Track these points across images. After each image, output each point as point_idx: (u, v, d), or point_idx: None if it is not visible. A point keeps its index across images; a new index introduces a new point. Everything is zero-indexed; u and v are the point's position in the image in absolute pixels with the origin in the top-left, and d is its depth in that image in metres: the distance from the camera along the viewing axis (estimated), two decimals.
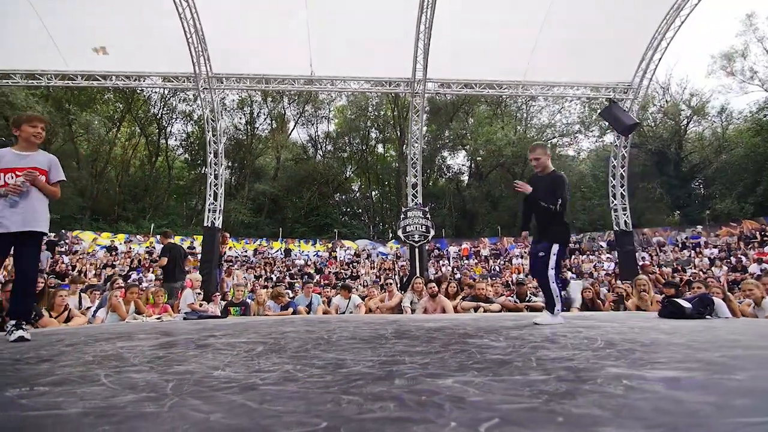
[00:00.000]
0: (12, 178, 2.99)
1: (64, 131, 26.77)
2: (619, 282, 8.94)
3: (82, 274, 13.87)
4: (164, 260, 7.22)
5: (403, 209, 10.95)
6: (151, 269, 7.44)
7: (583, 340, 2.47)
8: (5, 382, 1.43)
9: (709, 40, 35.16)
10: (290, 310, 6.68)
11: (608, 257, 17.65)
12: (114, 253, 18.93)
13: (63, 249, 17.94)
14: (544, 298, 3.79)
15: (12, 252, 3.11)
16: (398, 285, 11.09)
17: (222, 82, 11.05)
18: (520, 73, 11.37)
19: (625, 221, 11.76)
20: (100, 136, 29.19)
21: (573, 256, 18.98)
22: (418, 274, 9.22)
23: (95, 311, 6.21)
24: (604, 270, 15.27)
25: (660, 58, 10.31)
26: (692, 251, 16.91)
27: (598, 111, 13.33)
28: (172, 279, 7.15)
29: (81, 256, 17.19)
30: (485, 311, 6.08)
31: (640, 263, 12.54)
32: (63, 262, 15.64)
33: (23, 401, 1.16)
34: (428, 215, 10.61)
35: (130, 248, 20.18)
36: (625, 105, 11.09)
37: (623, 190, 11.95)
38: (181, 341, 2.71)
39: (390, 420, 0.97)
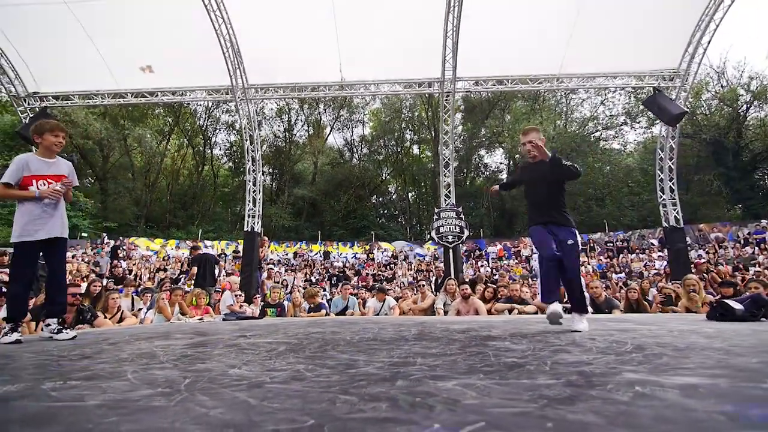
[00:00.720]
0: (44, 185, 3.15)
1: (120, 145, 28.90)
2: (669, 282, 8.37)
3: (138, 278, 14.90)
4: (194, 269, 8.23)
5: (436, 210, 10.86)
6: (183, 277, 8.65)
7: (612, 343, 2.36)
8: (45, 376, 1.59)
9: None
10: (323, 311, 6.80)
11: (660, 255, 16.57)
12: (166, 257, 20.16)
13: (121, 255, 19.33)
14: (574, 299, 3.32)
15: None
16: (433, 287, 11.01)
17: (257, 92, 11.51)
18: (555, 65, 10.96)
19: (676, 217, 10.99)
20: (152, 149, 31.24)
21: (621, 255, 18.01)
22: (450, 276, 9.11)
23: (146, 312, 6.68)
24: (655, 269, 14.36)
25: (709, 41, 9.54)
26: (756, 248, 15.52)
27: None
28: (203, 285, 7.83)
29: (137, 261, 18.46)
30: (519, 313, 5.92)
31: (695, 262, 11.70)
32: (120, 267, 16.89)
33: (54, 393, 1.29)
34: (462, 215, 10.46)
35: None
36: (672, 93, 10.38)
37: (672, 183, 11.17)
38: (212, 341, 2.86)
39: (375, 420, 0.99)
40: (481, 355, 2.01)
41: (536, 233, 3.40)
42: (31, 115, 11.21)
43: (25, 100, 11.33)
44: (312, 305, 6.94)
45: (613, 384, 1.35)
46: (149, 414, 1.06)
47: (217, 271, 9.36)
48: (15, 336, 2.96)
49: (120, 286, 10.10)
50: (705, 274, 9.90)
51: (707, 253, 16.26)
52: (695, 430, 0.92)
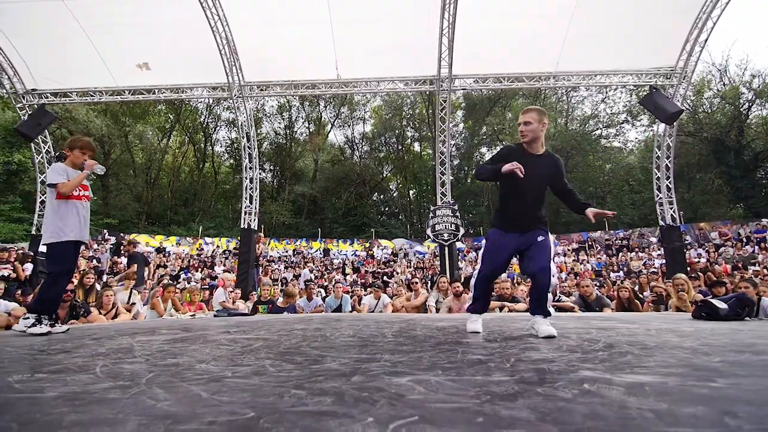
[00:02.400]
0: (78, 192, 3.63)
1: (121, 142, 28.98)
2: (661, 281, 8.37)
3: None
4: (134, 267, 7.92)
5: (432, 208, 10.88)
6: (116, 274, 8.54)
7: (584, 342, 2.38)
8: (16, 369, 1.63)
9: None
10: (319, 307, 6.84)
11: (659, 254, 16.54)
12: (165, 254, 20.27)
13: (122, 252, 19.44)
14: (534, 298, 2.87)
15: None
16: (429, 284, 11.04)
17: (254, 90, 11.53)
18: (553, 63, 10.93)
19: (672, 215, 10.97)
20: (153, 146, 31.33)
21: (620, 253, 17.98)
22: (443, 273, 9.14)
23: (140, 308, 6.74)
24: (654, 268, 14.34)
25: (706, 39, 9.50)
26: (756, 246, 15.47)
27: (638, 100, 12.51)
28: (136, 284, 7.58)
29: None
30: (510, 311, 5.95)
31: (691, 261, 11.68)
32: (121, 264, 17.00)
33: (17, 385, 1.33)
34: (458, 213, 10.47)
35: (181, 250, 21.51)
36: (670, 91, 10.33)
37: (669, 182, 11.14)
38: (193, 337, 2.90)
39: (313, 413, 1.02)
40: (450, 352, 2.04)
41: (495, 240, 2.98)
42: (29, 112, 11.28)
43: (23, 97, 11.39)
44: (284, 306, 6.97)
45: (564, 381, 1.38)
46: (99, 406, 1.09)
47: (147, 272, 8.95)
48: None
49: (121, 282, 10.21)
50: (701, 273, 9.90)
51: (707, 252, 16.21)
52: (621, 426, 0.94)
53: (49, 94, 11.61)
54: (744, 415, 0.99)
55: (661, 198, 11.17)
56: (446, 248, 10.33)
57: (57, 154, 11.93)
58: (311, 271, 17.72)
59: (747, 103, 25.15)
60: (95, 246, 17.36)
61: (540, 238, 2.83)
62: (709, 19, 9.18)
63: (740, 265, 13.49)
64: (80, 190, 3.63)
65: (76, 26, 9.61)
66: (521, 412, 1.04)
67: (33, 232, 12.69)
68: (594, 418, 0.99)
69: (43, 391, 1.26)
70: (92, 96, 11.62)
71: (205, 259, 20.16)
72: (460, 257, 15.52)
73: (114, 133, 27.62)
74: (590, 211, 2.87)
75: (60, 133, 23.61)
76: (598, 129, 30.29)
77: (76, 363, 1.78)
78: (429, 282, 11.42)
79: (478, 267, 3.09)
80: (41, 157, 12.42)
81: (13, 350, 2.29)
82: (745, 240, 17.05)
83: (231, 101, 11.66)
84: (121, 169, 29.93)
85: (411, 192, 36.53)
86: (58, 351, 2.19)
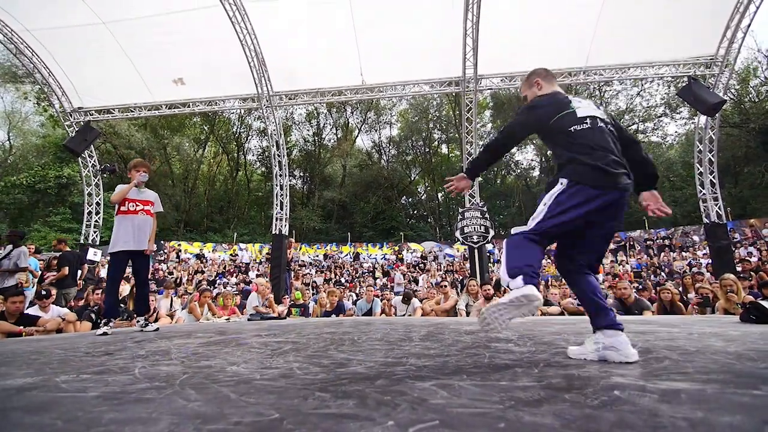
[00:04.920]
0: (134, 206, 4.12)
1: (160, 154, 30.44)
2: (706, 282, 7.89)
3: (177, 281, 15.68)
4: (65, 270, 7.01)
5: (461, 210, 10.75)
6: (48, 278, 6.71)
7: None
8: (63, 370, 1.74)
9: None
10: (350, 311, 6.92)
11: (705, 253, 15.60)
12: (203, 260, 21.08)
13: (162, 258, 20.38)
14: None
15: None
16: (459, 287, 10.91)
17: (282, 99, 11.85)
18: (582, 57, 10.60)
19: (718, 212, 10.33)
20: (190, 156, 32.70)
21: (662, 253, 17.11)
22: (472, 276, 9.00)
23: (179, 313, 7.04)
24: (700, 268, 13.54)
25: (749, 24, 8.90)
26: None
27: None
28: (66, 285, 7.03)
29: (176, 264, 19.42)
30: (542, 314, 5.79)
31: (742, 259, 10.95)
32: (162, 270, 17.82)
33: (63, 385, 1.43)
34: (487, 215, 10.30)
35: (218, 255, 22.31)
36: (711, 81, 9.76)
37: (713, 177, 10.50)
38: (227, 340, 3.00)
39: (335, 416, 1.04)
40: (477, 356, 2.01)
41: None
42: (76, 129, 12.06)
43: (70, 115, 12.21)
44: (327, 310, 7.08)
45: (593, 388, 1.33)
46: (136, 405, 1.16)
47: (80, 273, 8.01)
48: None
49: (161, 288, 10.72)
50: (752, 273, 9.27)
51: (758, 250, 15.15)
52: None
53: (93, 111, 12.40)
54: None
55: (704, 194, 10.55)
56: (476, 251, 10.18)
57: (102, 167, 12.71)
58: (328, 281, 17.66)
59: None
60: None
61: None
62: (751, 3, 8.62)
63: None
64: (137, 205, 4.13)
65: (117, 47, 10.24)
66: (545, 418, 1.02)
67: (81, 241, 13.52)
68: (621, 426, 0.95)
69: (86, 390, 1.34)
70: (132, 111, 12.31)
71: (240, 265, 20.78)
72: (491, 260, 15.24)
73: (153, 146, 29.07)
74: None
75: (105, 148, 25.10)
76: (634, 124, 29.03)
77: (117, 365, 1.89)
78: (459, 285, 11.29)
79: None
80: (88, 171, 13.24)
81: (62, 352, 2.45)
82: None
83: (261, 111, 12.02)
84: (161, 179, 31.40)
85: (439, 194, 36.26)
86: (101, 353, 2.33)
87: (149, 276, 4.48)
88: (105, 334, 3.65)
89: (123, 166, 27.17)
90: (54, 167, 24.26)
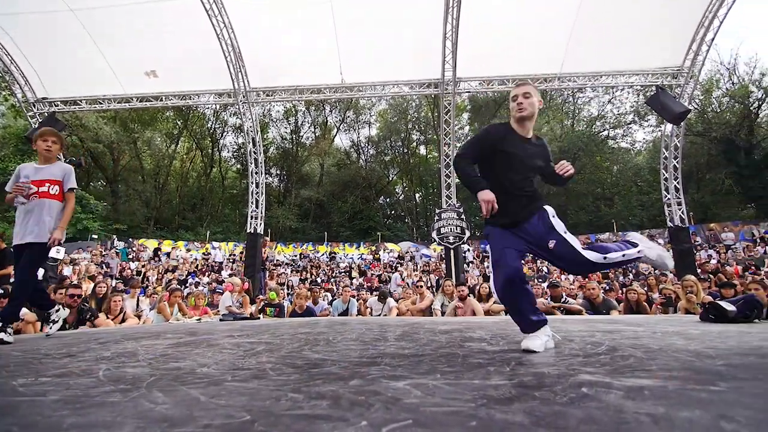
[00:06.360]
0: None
1: (130, 149, 29.39)
2: (671, 283, 8.27)
3: (146, 279, 15.17)
4: (10, 268, 5.81)
5: (437, 210, 10.86)
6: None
7: (587, 345, 2.36)
8: (21, 373, 1.66)
9: None
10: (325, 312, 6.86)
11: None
12: (174, 258, 20.44)
13: (131, 256, 19.66)
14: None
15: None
16: (435, 287, 11.01)
17: (260, 96, 11.65)
18: (558, 64, 10.90)
19: (681, 216, 10.84)
20: (161, 151, 31.70)
21: None
22: (448, 276, 9.11)
23: (147, 313, 6.81)
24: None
25: (713, 38, 9.41)
26: (767, 247, 15.22)
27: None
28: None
29: (145, 263, 18.77)
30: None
31: (701, 262, 11.52)
32: (130, 269, 17.18)
33: (21, 389, 1.35)
34: (463, 216, 10.46)
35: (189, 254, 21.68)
36: (677, 91, 10.24)
37: (677, 182, 11.03)
38: (198, 340, 2.92)
39: (308, 417, 1.03)
40: (451, 356, 2.03)
41: (499, 238, 2.33)
42: (40, 120, 11.49)
43: (34, 105, 11.62)
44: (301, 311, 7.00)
45: (562, 385, 1.37)
46: (99, 409, 1.11)
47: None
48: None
49: (127, 287, 10.34)
50: (711, 275, 9.76)
51: (717, 253, 15.97)
52: (615, 431, 0.94)
53: (59, 103, 11.83)
54: (742, 419, 0.98)
55: (669, 199, 11.06)
56: (452, 251, 10.30)
57: (67, 161, 12.14)
58: (303, 281, 17.71)
59: (757, 102, 24.83)
60: (103, 251, 17.57)
61: (551, 243, 2.28)
62: (715, 18, 9.10)
63: (752, 265, 13.27)
64: (31, 188, 3.25)
65: (86, 35, 9.81)
66: (516, 416, 1.04)
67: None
68: (588, 423, 0.98)
69: (46, 394, 1.28)
70: (101, 103, 11.82)
71: (213, 264, 20.29)
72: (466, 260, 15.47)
73: (123, 140, 28.03)
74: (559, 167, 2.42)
75: (71, 140, 23.99)
76: (605, 130, 30.08)
77: (79, 367, 1.81)
78: (435, 285, 11.40)
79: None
80: None
81: (20, 354, 2.32)
82: (757, 241, 16.79)
83: (237, 107, 11.77)
84: (130, 174, 30.33)
85: (417, 195, 36.51)
86: (63, 355, 2.22)
87: (49, 275, 3.69)
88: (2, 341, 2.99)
89: (90, 160, 26.12)
90: (15, 160, 23.00)
